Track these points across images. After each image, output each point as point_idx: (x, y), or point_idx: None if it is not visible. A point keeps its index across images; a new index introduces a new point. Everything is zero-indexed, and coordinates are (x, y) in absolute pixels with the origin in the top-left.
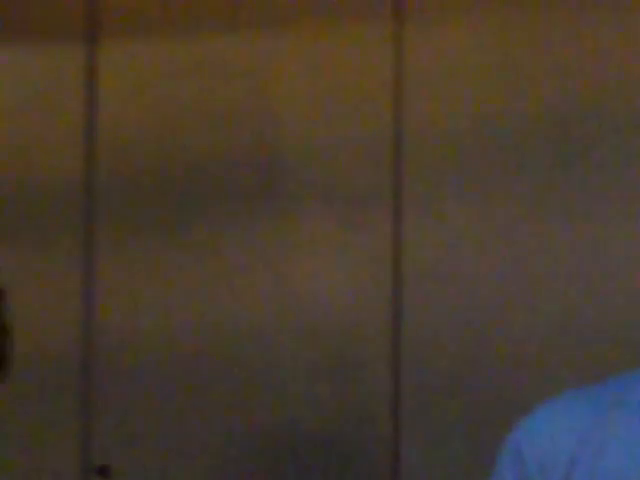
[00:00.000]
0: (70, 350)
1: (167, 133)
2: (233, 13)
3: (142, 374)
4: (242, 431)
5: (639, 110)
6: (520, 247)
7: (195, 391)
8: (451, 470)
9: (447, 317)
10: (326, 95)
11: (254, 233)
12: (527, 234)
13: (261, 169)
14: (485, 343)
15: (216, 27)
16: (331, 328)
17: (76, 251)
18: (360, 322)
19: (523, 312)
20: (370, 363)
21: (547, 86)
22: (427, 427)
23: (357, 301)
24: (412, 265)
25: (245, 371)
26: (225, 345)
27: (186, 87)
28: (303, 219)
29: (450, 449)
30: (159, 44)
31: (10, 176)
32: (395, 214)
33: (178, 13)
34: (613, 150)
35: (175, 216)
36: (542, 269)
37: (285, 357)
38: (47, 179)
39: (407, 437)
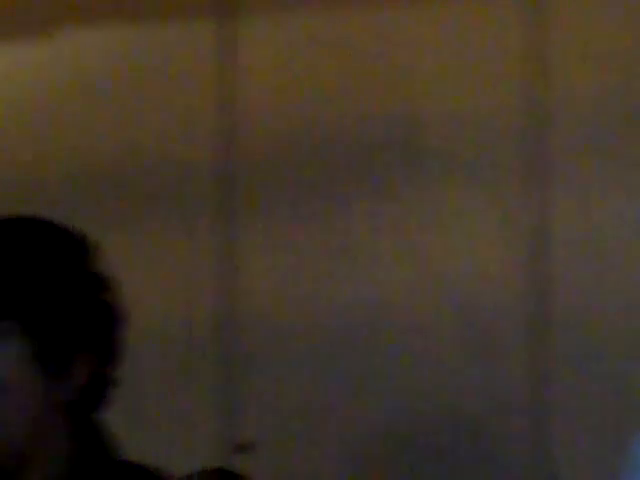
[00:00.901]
0: (213, 328)
1: (307, 110)
2: None
3: (284, 351)
4: (384, 409)
5: None
6: None
7: (337, 367)
8: (604, 461)
9: (599, 297)
10: (468, 68)
11: (397, 209)
12: None
13: (402, 144)
14: None
15: (357, 1)
16: (476, 307)
17: (216, 231)
18: (506, 301)
19: None
20: (516, 345)
21: None
22: (579, 413)
23: (503, 280)
24: (561, 241)
25: (385, 350)
26: (363, 322)
27: (326, 63)
28: (447, 194)
29: (603, 440)
30: (300, 18)
31: (147, 156)
32: (542, 188)
33: None
34: None
35: (315, 192)
36: None
37: (429, 338)
38: (185, 158)
39: (554, 424)
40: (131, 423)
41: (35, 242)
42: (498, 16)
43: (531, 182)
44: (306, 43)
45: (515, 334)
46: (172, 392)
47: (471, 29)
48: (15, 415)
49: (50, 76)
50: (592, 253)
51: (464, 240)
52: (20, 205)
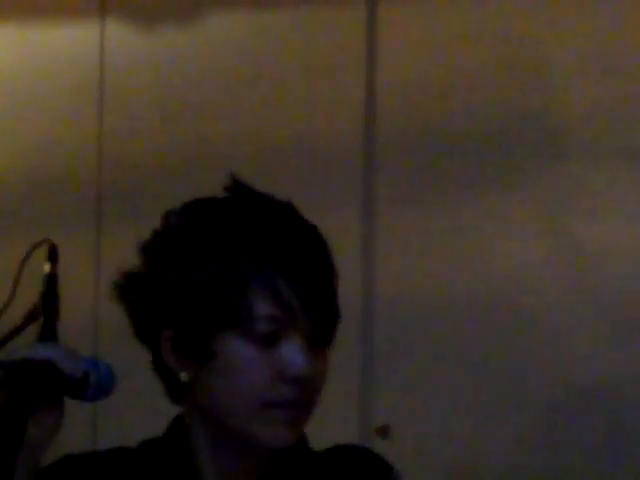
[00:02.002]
0: (353, 311)
1: (448, 95)
2: None
3: (422, 334)
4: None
5: None
6: None
7: (473, 349)
8: None
9: None
10: (608, 54)
11: (540, 195)
12: None
13: (547, 130)
14: None
15: None
16: (623, 292)
17: (356, 211)
18: None
19: None
20: None
21: None
22: None
23: None
24: None
25: (523, 328)
26: (500, 302)
27: (466, 51)
28: (594, 181)
29: None
30: (440, 7)
31: (290, 139)
32: None
33: None
34: None
35: (450, 179)
36: None
37: (571, 320)
38: (326, 142)
39: None
40: None
41: None
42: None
43: None
44: (447, 33)
45: None
46: None
47: (612, 19)
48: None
49: (196, 61)
50: None
51: (611, 228)
52: None
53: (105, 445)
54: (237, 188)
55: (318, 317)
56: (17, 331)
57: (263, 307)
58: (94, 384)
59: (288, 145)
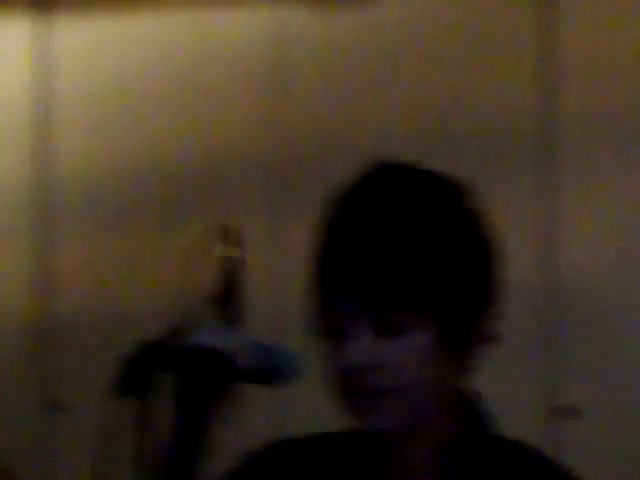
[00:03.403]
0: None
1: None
2: None
3: (605, 315)
4: None
5: None
6: None
7: None
8: None
9: None
10: None
11: None
12: None
13: None
14: None
15: None
16: None
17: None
18: None
19: None
20: None
21: None
22: None
23: None
24: None
25: None
26: None
27: None
28: None
29: None
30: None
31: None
32: None
33: None
34: None
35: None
36: None
37: None
38: (507, 113)
39: None
40: None
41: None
42: None
43: None
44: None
45: None
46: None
47: None
48: (419, 392)
49: (376, 41)
50: None
51: None
52: None
53: (283, 432)
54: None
55: (384, 307)
56: (197, 316)
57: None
58: (271, 372)
59: (465, 125)
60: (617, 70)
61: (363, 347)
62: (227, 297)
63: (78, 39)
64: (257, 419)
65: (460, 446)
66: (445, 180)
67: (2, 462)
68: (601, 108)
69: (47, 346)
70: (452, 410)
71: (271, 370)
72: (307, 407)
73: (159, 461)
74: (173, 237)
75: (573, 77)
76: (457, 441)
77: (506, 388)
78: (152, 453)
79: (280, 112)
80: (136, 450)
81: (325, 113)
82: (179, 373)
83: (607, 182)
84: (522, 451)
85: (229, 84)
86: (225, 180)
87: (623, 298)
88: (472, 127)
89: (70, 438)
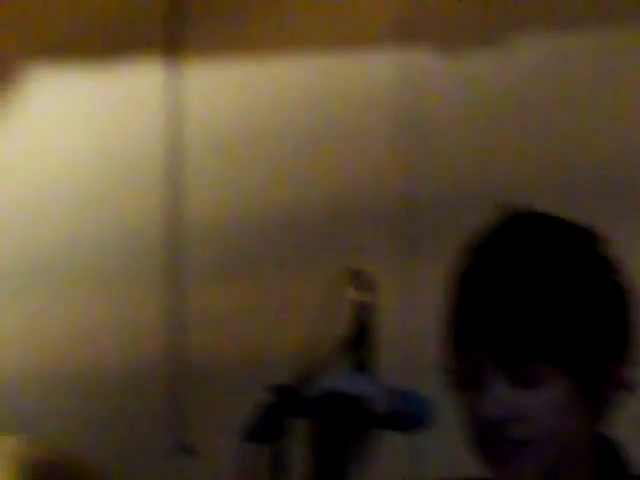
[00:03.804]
0: None
1: None
2: None
3: None
4: None
5: None
6: None
7: None
8: None
9: None
10: None
11: None
12: None
13: None
14: None
15: None
16: None
17: None
18: None
19: None
20: None
21: None
22: None
23: None
24: None
25: None
26: None
27: None
28: None
29: None
30: None
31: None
32: None
33: None
34: None
35: None
36: None
37: None
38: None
39: None
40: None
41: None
42: None
43: None
44: None
45: None
46: None
47: None
48: (556, 442)
49: (500, 86)
50: None
51: None
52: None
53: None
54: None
55: (520, 359)
56: (328, 362)
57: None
58: (406, 418)
59: (597, 174)
60: None
61: (500, 398)
62: (359, 342)
63: (209, 84)
64: (391, 466)
65: None
66: (578, 228)
67: None
68: None
69: (179, 391)
70: (589, 457)
71: (406, 416)
72: (440, 454)
73: None
74: (305, 283)
75: None
76: None
77: None
78: None
79: (412, 156)
80: None
81: (457, 157)
82: (316, 419)
83: None
84: None
85: (360, 127)
86: (357, 226)
87: None
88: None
89: None
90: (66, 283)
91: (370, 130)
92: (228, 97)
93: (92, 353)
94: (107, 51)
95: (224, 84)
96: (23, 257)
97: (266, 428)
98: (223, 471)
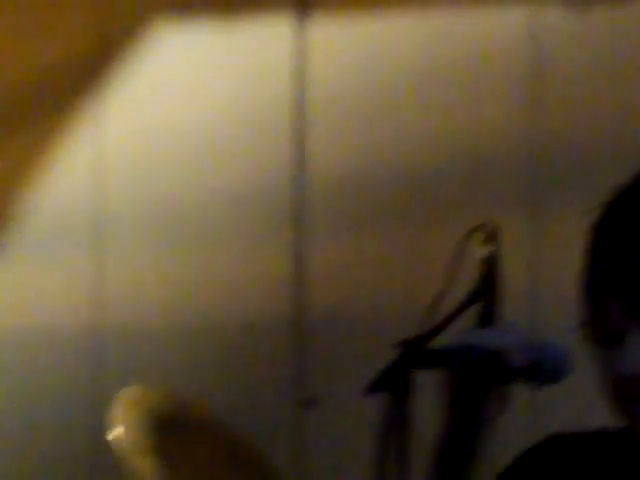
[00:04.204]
0: None
1: None
2: None
3: None
4: None
5: None
6: None
7: None
8: None
9: None
10: None
11: None
12: None
13: None
14: None
15: None
16: None
17: None
18: None
19: None
20: None
21: None
22: None
23: None
24: None
25: None
26: None
27: None
28: None
29: None
30: None
31: None
32: None
33: None
34: None
35: None
36: None
37: None
38: None
39: None
40: None
41: None
42: None
43: None
44: None
45: None
46: None
47: None
48: None
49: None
50: None
51: None
52: None
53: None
54: None
55: None
56: (455, 315)
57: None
58: (541, 372)
59: None
60: None
61: None
62: (485, 295)
63: (335, 41)
64: (515, 419)
65: None
66: None
67: (264, 461)
68: None
69: (301, 344)
70: None
71: (544, 368)
72: (565, 406)
73: (433, 460)
74: (431, 237)
75: None
76: None
77: None
78: (407, 452)
79: (537, 109)
80: (397, 449)
81: (583, 113)
82: (453, 373)
83: None
84: None
85: (487, 84)
86: (485, 178)
87: None
88: None
89: (323, 435)
90: (193, 237)
91: (497, 86)
92: (354, 54)
93: (218, 306)
94: (235, 8)
95: (350, 41)
96: (154, 211)
97: (391, 381)
98: (343, 423)
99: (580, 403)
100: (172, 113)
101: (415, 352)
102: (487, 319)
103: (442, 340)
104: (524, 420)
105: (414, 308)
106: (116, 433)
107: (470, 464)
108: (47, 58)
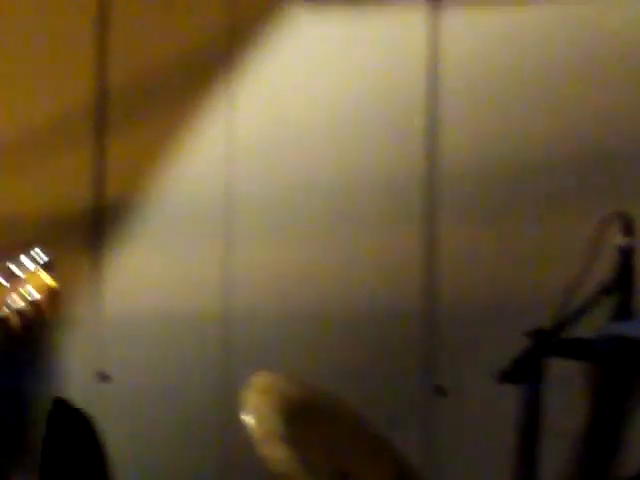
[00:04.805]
0: None
1: None
2: None
3: None
4: None
5: None
6: None
7: None
8: None
9: None
10: None
11: None
12: None
13: None
14: None
15: None
16: None
17: None
18: None
19: None
20: None
21: None
22: None
23: None
24: None
25: None
26: None
27: None
28: None
29: None
30: None
31: None
32: None
33: None
34: None
35: None
36: None
37: None
38: None
39: None
40: None
41: None
42: None
43: None
44: None
45: None
46: None
47: None
48: None
49: None
50: None
51: None
52: None
53: None
54: None
55: None
56: (589, 306)
57: None
58: None
59: None
60: None
61: None
62: (621, 285)
63: (468, 27)
64: None
65: None
66: None
67: (393, 448)
68: None
69: (433, 334)
70: None
71: None
72: None
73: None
74: (566, 226)
75: None
76: None
77: None
78: (540, 441)
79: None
80: (530, 438)
81: None
82: (600, 364)
83: None
84: None
85: (619, 71)
86: (621, 167)
87: None
88: None
89: (453, 424)
90: (323, 225)
91: (630, 76)
92: (486, 40)
93: (348, 294)
94: None
95: (482, 27)
96: (284, 198)
97: (524, 371)
98: (473, 412)
99: None
100: (303, 101)
101: (550, 341)
102: (623, 310)
103: (575, 330)
104: None
105: (546, 297)
106: (247, 420)
107: (614, 454)
108: (179, 45)
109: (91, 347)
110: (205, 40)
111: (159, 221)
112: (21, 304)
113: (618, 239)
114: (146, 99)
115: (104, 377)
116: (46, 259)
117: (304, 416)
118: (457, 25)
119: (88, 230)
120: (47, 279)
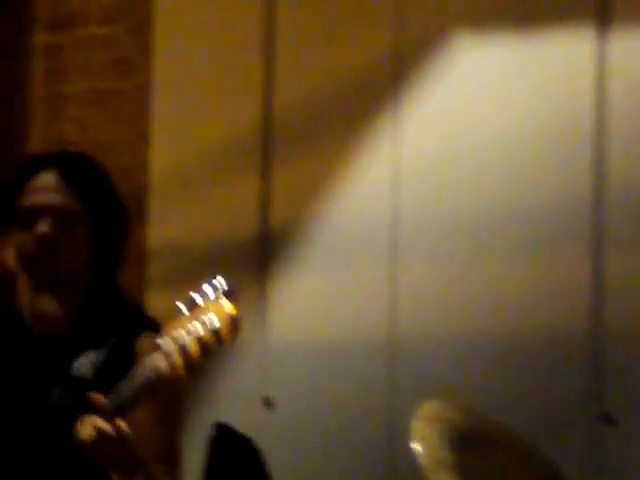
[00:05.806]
0: None
1: None
2: None
3: None
4: None
5: None
6: None
7: None
8: None
9: None
10: None
11: None
12: None
13: None
14: None
15: None
16: None
17: None
18: None
19: None
20: None
21: None
22: None
23: None
24: None
25: None
26: None
27: None
28: None
29: None
30: None
31: None
32: None
33: None
34: None
35: None
36: None
37: None
38: None
39: None
40: None
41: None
42: None
43: None
44: None
45: None
46: None
47: None
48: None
49: None
50: None
51: None
52: None
53: None
54: None
55: None
56: None
57: None
58: None
59: None
60: None
61: None
62: None
63: (637, 51)
64: None
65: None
66: None
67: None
68: None
69: (599, 359)
70: None
71: None
72: None
73: None
74: None
75: None
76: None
77: None
78: None
79: None
80: None
81: None
82: None
83: None
84: None
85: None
86: None
87: None
88: None
89: (622, 453)
90: (488, 248)
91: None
92: None
93: (514, 318)
94: (534, 18)
95: None
96: (450, 222)
97: None
98: None
99: None
100: (469, 125)
101: None
102: None
103: None
104: None
105: None
106: (415, 448)
107: None
108: (345, 71)
109: (256, 373)
110: (371, 66)
111: (325, 247)
112: (201, 332)
113: None
114: (312, 126)
115: (268, 403)
116: (227, 287)
117: (473, 444)
118: (627, 45)
119: (254, 256)
120: (228, 307)
